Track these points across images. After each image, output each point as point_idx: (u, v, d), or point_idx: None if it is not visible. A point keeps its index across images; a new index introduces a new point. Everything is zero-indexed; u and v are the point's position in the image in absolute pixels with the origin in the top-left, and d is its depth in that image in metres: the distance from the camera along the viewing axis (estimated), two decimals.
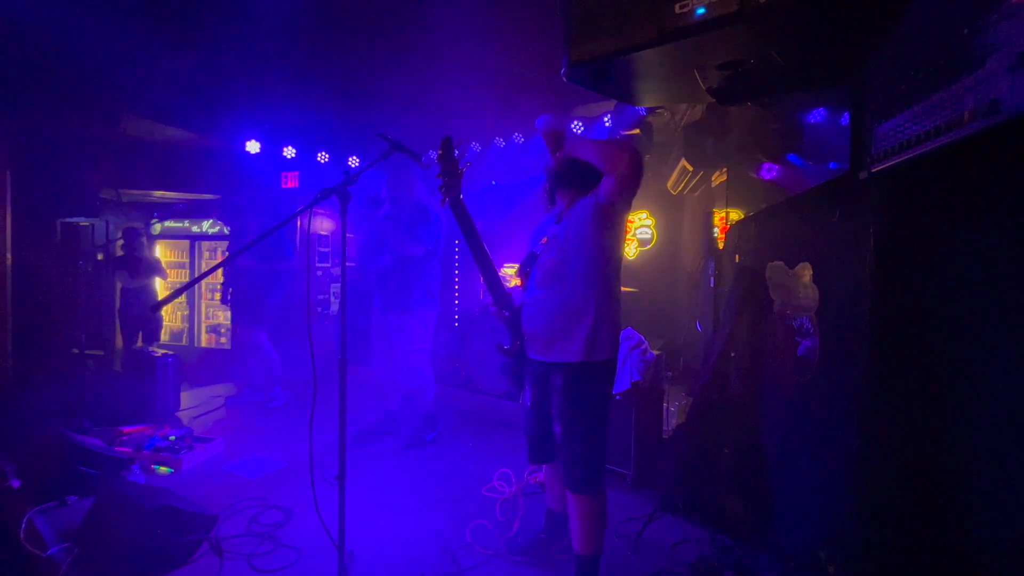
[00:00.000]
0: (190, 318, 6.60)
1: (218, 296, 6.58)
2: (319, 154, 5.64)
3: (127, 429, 3.41)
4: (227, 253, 5.33)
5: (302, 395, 4.45)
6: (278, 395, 4.33)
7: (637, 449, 2.82)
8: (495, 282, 1.98)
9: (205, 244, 6.55)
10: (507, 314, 1.98)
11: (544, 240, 1.94)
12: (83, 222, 5.23)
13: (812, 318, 1.88)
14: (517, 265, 2.04)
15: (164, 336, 6.32)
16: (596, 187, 1.78)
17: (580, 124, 4.71)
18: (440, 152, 1.98)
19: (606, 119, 4.57)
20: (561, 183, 1.96)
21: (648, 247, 5.53)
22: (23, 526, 2.26)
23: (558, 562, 2.13)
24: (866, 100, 1.56)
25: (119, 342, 5.45)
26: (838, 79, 1.88)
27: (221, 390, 4.82)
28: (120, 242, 5.19)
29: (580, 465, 1.81)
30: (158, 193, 6.04)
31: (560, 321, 1.81)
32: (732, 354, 2.59)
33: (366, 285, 3.76)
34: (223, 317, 6.56)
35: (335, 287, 6.12)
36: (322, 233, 6.02)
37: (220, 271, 4.52)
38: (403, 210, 3.40)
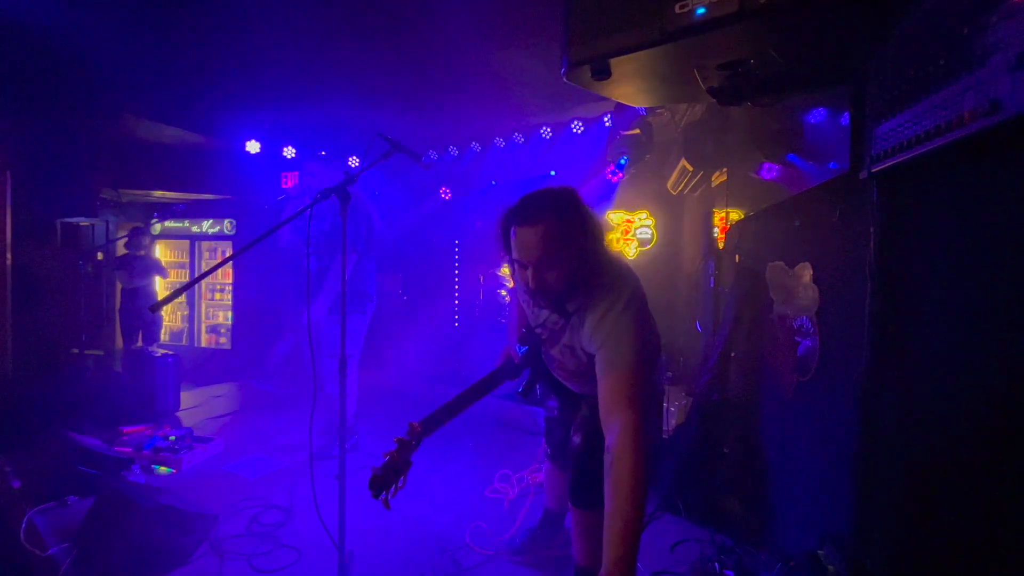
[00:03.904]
0: (190, 318, 6.60)
1: (218, 296, 6.60)
2: (319, 154, 5.64)
3: (127, 429, 3.41)
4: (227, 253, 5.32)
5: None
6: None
7: None
8: (500, 377, 1.82)
9: (205, 244, 6.55)
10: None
11: (544, 323, 1.65)
12: (83, 222, 5.22)
13: (812, 318, 1.88)
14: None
15: (164, 336, 6.33)
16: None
17: (580, 124, 4.71)
18: (373, 490, 1.44)
19: (606, 119, 4.57)
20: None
21: (648, 247, 5.53)
22: (23, 526, 2.26)
23: (557, 562, 2.14)
24: (866, 100, 1.55)
25: (119, 342, 5.45)
26: (838, 79, 1.88)
27: (221, 390, 4.82)
28: (122, 241, 5.19)
29: (597, 483, 1.69)
30: (158, 193, 6.04)
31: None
32: (732, 354, 2.59)
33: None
34: (223, 317, 6.57)
35: None
36: None
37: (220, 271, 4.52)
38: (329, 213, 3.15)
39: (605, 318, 1.44)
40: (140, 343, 5.06)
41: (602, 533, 1.78)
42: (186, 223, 6.57)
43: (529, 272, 1.44)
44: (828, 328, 1.81)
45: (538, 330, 1.69)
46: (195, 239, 6.54)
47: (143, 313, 5.06)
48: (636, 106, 4.00)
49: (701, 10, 1.52)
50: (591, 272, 1.48)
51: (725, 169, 3.70)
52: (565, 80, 1.96)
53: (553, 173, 5.32)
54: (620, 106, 4.25)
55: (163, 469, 2.98)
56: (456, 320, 6.01)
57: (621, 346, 1.40)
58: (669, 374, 4.26)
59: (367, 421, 3.79)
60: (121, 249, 5.26)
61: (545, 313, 1.62)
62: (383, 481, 1.43)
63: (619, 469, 1.33)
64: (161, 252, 6.55)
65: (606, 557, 1.31)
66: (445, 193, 6.17)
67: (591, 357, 1.50)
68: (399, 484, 1.46)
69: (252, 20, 3.37)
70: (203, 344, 6.56)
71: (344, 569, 1.78)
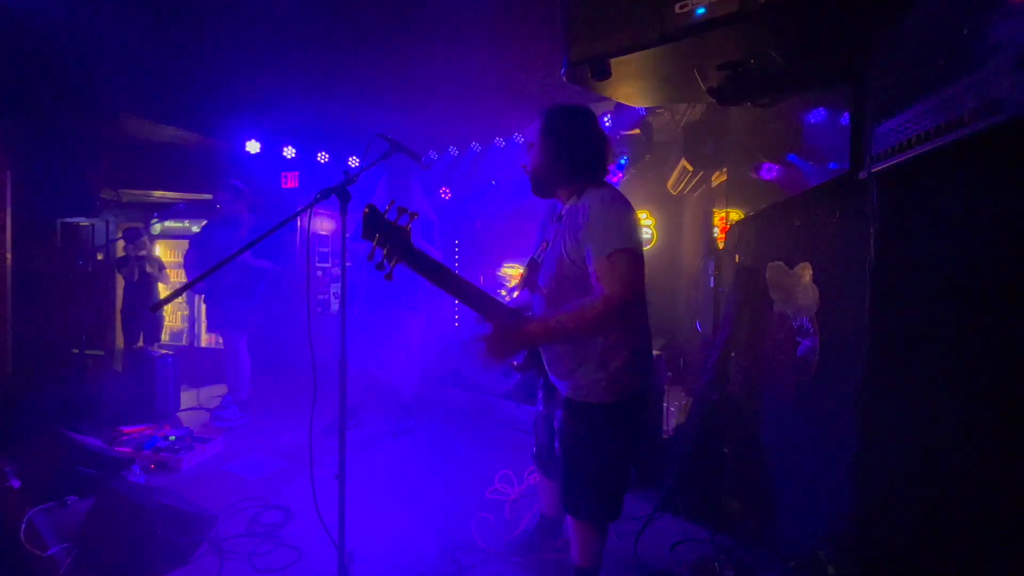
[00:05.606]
0: (190, 318, 6.60)
1: None
2: (319, 154, 5.64)
3: (127, 429, 3.41)
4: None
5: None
6: (233, 415, 3.95)
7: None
8: (491, 309, 1.70)
9: None
10: None
11: (545, 245, 1.71)
12: (83, 222, 5.22)
13: (812, 318, 1.88)
14: (520, 265, 2.00)
15: (164, 336, 6.32)
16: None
17: None
18: (363, 223, 1.56)
19: (606, 119, 4.57)
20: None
21: (648, 247, 5.53)
22: (23, 526, 2.26)
23: (556, 564, 2.13)
24: (866, 100, 1.56)
25: (119, 342, 5.44)
26: (838, 79, 1.88)
27: (221, 390, 4.81)
28: (122, 242, 5.19)
29: (575, 495, 1.70)
30: (158, 193, 6.04)
31: (565, 355, 1.63)
32: (732, 354, 2.59)
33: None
34: None
35: (335, 287, 6.11)
36: (322, 233, 6.02)
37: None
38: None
39: (595, 206, 1.56)
40: (141, 343, 5.06)
41: (597, 540, 1.77)
42: (186, 223, 6.56)
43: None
44: (828, 328, 1.81)
45: (539, 256, 1.76)
46: None
47: (144, 313, 5.06)
48: (636, 106, 4.00)
49: (701, 10, 1.52)
50: (563, 172, 1.68)
51: (725, 169, 3.70)
52: (565, 80, 1.96)
53: None
54: (620, 106, 4.24)
55: (163, 469, 2.98)
56: (456, 320, 6.01)
57: (610, 228, 1.51)
58: (669, 374, 4.26)
59: (366, 417, 3.81)
60: (121, 249, 5.25)
61: (552, 229, 1.74)
62: (374, 222, 1.54)
63: (584, 306, 1.48)
64: (161, 252, 6.54)
65: (532, 322, 1.58)
66: (445, 193, 6.17)
67: (572, 265, 1.58)
68: (390, 258, 1.56)
69: (252, 20, 3.37)
70: (203, 344, 6.55)
71: (344, 569, 1.78)
